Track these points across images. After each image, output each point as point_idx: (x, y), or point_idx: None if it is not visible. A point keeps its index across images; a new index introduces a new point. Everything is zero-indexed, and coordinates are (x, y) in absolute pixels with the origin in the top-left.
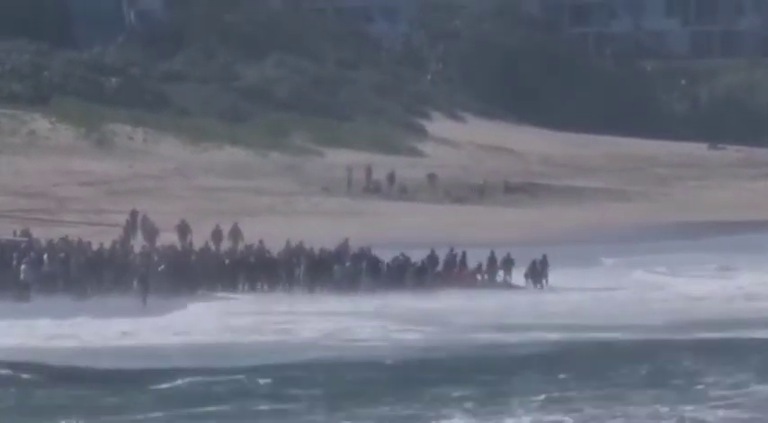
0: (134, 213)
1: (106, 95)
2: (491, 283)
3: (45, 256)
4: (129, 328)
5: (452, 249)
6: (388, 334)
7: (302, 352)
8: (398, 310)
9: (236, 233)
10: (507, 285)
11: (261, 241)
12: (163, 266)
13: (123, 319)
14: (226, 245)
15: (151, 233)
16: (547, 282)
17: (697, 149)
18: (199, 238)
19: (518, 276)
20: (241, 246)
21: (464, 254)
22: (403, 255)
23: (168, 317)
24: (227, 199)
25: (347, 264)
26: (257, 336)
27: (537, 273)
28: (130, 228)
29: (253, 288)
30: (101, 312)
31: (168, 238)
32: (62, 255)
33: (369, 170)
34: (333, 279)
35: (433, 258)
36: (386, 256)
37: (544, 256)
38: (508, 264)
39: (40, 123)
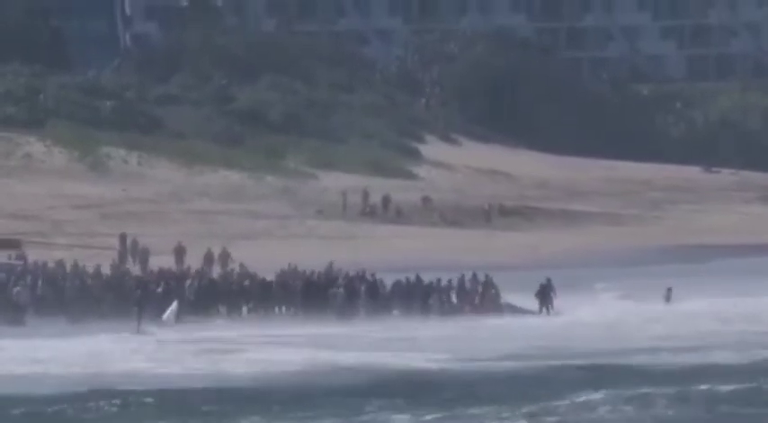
0: (123, 237)
1: (101, 119)
2: (496, 307)
3: (40, 280)
4: None
5: (464, 275)
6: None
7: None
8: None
9: (224, 257)
10: (513, 309)
11: (242, 265)
12: (159, 290)
13: None
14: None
15: (143, 257)
16: (551, 305)
17: (691, 173)
18: (194, 262)
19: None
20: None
21: (462, 277)
22: (408, 279)
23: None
24: (221, 222)
25: (340, 288)
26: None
27: (544, 296)
28: (122, 252)
29: (253, 311)
30: None
31: (163, 261)
32: (57, 278)
33: (366, 194)
34: (329, 303)
35: (419, 283)
36: (385, 280)
37: (548, 280)
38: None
39: (35, 146)
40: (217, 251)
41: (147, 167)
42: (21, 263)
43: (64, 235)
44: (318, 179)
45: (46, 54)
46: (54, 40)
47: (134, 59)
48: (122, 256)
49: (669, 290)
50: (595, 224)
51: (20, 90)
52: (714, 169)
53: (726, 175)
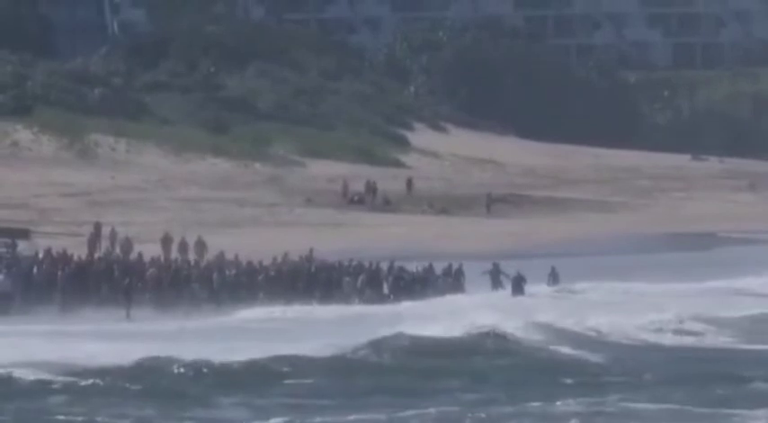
0: (98, 225)
1: (89, 106)
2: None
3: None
4: None
5: (451, 264)
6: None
7: None
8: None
9: (200, 246)
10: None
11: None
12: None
13: None
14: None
15: (125, 247)
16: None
17: (679, 161)
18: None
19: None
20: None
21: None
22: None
23: None
24: (209, 210)
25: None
26: None
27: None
28: (94, 240)
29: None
30: None
31: (151, 250)
32: (46, 266)
33: (368, 183)
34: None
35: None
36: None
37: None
38: (458, 275)
39: (23, 134)
40: (208, 239)
41: (134, 155)
42: (7, 251)
43: (51, 223)
44: (306, 167)
45: (34, 41)
46: (42, 28)
47: (122, 46)
48: (92, 244)
49: (552, 270)
50: (584, 211)
51: (7, 77)
52: (702, 157)
53: (714, 163)
